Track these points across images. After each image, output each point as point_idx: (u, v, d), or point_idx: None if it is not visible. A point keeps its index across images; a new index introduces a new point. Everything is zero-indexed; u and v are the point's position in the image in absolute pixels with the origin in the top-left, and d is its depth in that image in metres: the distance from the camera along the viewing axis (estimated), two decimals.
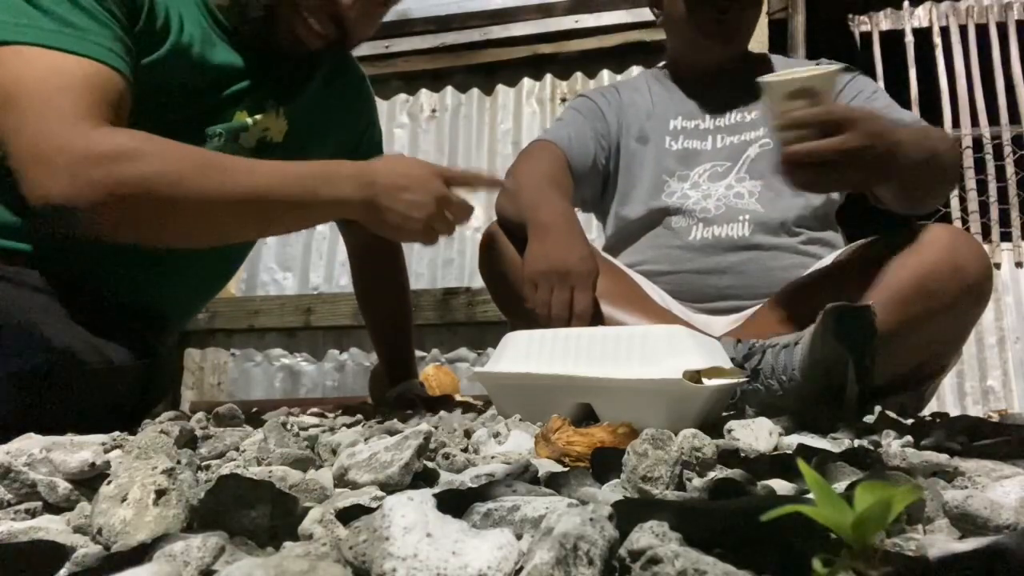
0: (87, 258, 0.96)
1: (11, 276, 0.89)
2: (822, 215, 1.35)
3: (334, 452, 0.67)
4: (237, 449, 0.70)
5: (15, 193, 0.85)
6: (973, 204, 3.08)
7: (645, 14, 3.14)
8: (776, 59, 1.49)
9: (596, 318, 1.09)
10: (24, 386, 0.83)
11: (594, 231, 2.92)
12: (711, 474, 0.57)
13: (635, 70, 3.09)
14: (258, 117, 1.11)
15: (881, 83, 3.08)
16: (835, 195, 1.37)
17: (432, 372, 2.33)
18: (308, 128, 1.19)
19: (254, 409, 1.33)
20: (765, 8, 2.82)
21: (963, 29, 3.27)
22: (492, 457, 0.64)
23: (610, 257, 1.32)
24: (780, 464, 0.57)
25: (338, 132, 1.28)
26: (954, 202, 3.05)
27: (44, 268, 0.94)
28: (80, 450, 0.55)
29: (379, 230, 1.03)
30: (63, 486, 0.52)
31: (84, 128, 0.83)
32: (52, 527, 0.45)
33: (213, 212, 0.91)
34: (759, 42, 2.68)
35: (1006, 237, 3.03)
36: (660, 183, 1.38)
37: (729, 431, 0.72)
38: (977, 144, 3.15)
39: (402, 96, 3.39)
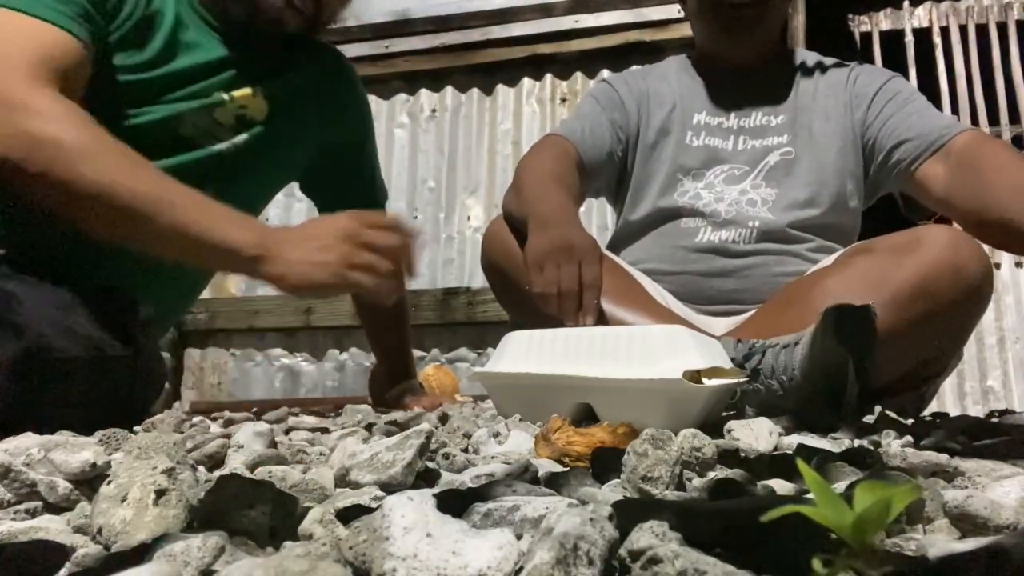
0: (59, 250, 0.99)
1: None
2: (835, 225, 1.32)
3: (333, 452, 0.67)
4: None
5: None
6: None
7: (645, 14, 3.14)
8: (808, 55, 1.45)
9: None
10: (10, 377, 0.84)
11: (594, 230, 2.92)
12: (711, 474, 0.57)
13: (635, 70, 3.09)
14: (234, 94, 1.15)
15: None
16: (853, 203, 1.34)
17: (432, 372, 2.33)
18: (288, 114, 1.23)
19: (254, 409, 1.33)
20: None
21: (963, 29, 3.27)
22: (492, 457, 0.64)
23: (611, 254, 1.31)
24: (780, 464, 0.57)
25: (321, 127, 1.31)
26: None
27: (17, 260, 0.95)
28: (80, 450, 0.55)
29: (289, 286, 0.95)
30: (63, 486, 0.52)
31: (29, 85, 0.89)
32: (52, 527, 0.45)
33: (99, 202, 0.89)
34: None
35: None
36: (674, 180, 1.36)
37: (729, 431, 0.72)
38: None
39: (402, 96, 3.38)
